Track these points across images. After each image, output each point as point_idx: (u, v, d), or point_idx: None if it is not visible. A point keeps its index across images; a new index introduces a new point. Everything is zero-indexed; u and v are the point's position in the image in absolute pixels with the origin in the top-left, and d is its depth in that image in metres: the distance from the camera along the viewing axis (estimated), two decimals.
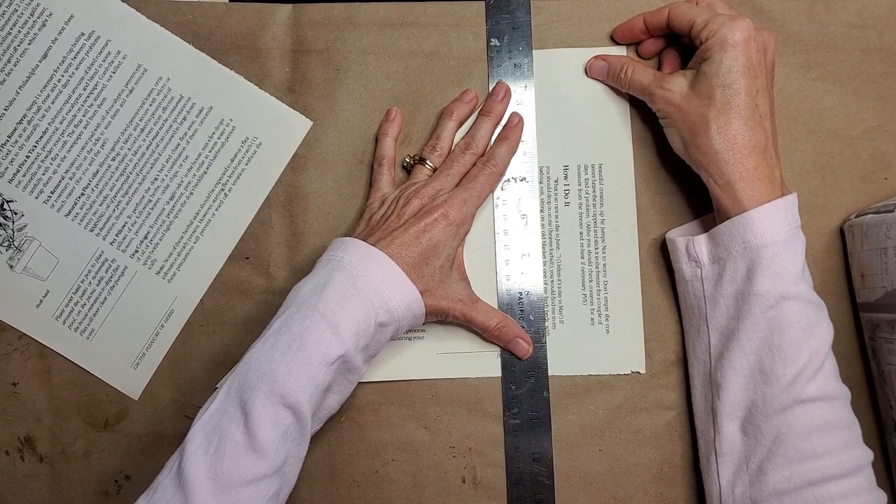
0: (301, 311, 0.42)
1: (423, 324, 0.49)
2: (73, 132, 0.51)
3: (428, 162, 0.50)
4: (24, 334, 0.52)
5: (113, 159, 0.52)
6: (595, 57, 0.52)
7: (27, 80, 0.51)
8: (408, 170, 0.52)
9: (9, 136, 0.51)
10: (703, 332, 0.48)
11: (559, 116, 0.53)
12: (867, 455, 0.43)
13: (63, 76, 0.51)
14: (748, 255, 0.44)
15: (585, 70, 0.52)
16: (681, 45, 0.51)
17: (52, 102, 0.51)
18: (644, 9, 0.52)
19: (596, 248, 0.52)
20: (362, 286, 0.43)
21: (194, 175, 0.52)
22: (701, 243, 0.47)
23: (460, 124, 0.52)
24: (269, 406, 0.39)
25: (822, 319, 0.44)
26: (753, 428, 0.44)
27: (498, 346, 0.51)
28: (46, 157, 0.51)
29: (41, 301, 0.52)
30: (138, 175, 0.52)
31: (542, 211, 0.52)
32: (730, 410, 0.45)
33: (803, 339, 0.43)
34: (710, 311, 0.47)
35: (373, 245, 0.45)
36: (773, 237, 0.43)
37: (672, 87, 0.46)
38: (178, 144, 0.52)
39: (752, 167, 0.44)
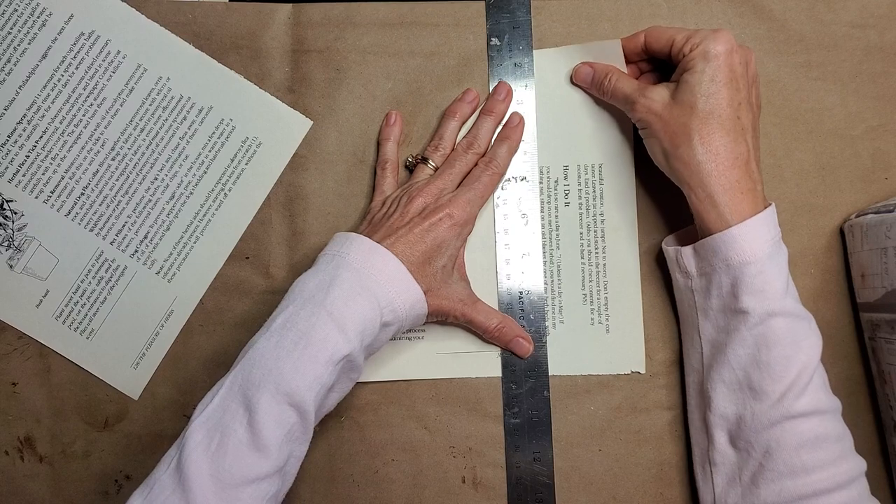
0: (306, 308, 0.41)
1: (423, 324, 0.49)
2: (72, 132, 0.51)
3: (430, 161, 0.50)
4: (24, 334, 0.52)
5: (113, 159, 0.52)
6: (581, 63, 0.51)
7: (27, 80, 0.51)
8: (410, 169, 0.52)
9: (9, 136, 0.51)
10: (695, 342, 0.48)
11: (559, 116, 0.53)
12: (859, 466, 0.43)
13: (63, 76, 0.51)
14: (731, 272, 0.43)
15: (571, 77, 0.52)
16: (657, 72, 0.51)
17: (52, 102, 0.51)
18: (644, 8, 0.52)
19: (596, 248, 0.52)
20: (369, 285, 0.43)
21: (194, 175, 0.52)
22: (688, 255, 0.46)
23: (463, 124, 0.52)
24: (275, 405, 0.39)
25: (810, 332, 0.44)
26: (744, 442, 0.44)
27: (498, 346, 0.51)
28: (46, 156, 0.51)
29: (41, 301, 0.52)
30: (138, 175, 0.52)
31: (542, 211, 0.52)
32: (720, 422, 0.45)
33: (791, 354, 0.42)
34: (702, 321, 0.47)
35: (377, 243, 0.45)
36: (756, 254, 0.43)
37: (654, 96, 0.46)
38: (178, 144, 0.52)
39: (734, 180, 0.43)
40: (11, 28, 0.51)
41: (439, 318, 0.49)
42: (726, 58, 0.44)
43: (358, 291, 0.42)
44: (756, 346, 0.43)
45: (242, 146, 0.52)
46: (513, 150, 0.51)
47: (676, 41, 0.45)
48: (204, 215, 0.52)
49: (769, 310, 0.43)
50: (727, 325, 0.45)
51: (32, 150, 0.51)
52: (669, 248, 0.48)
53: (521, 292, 0.52)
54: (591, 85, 0.51)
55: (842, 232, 0.52)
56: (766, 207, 0.44)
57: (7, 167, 0.51)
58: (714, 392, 0.45)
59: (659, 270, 0.52)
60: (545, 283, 0.52)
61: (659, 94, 0.46)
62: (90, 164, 0.52)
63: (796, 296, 0.45)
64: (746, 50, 0.45)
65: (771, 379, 0.42)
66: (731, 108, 0.44)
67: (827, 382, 0.44)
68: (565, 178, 0.53)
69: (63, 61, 0.51)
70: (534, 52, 0.52)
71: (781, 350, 0.42)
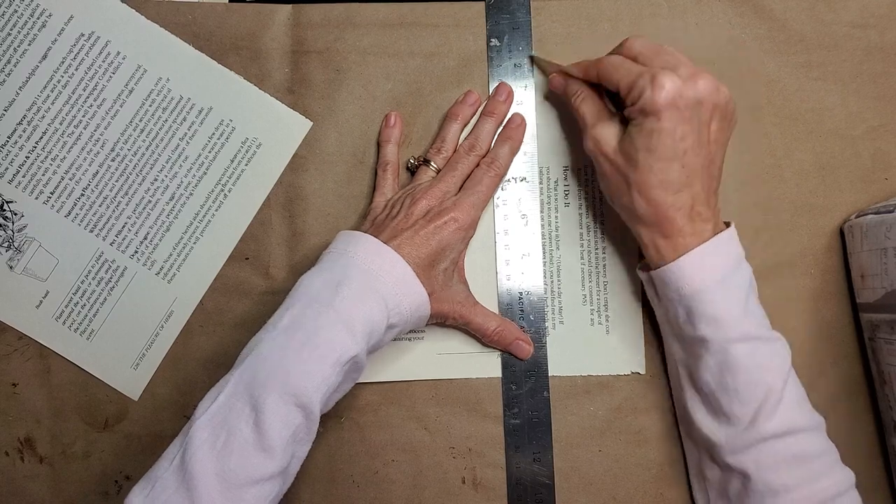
0: (313, 308, 0.41)
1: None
2: (72, 133, 0.51)
3: (432, 164, 0.50)
4: (24, 335, 0.52)
5: (113, 160, 0.52)
6: (556, 73, 0.49)
7: (27, 81, 0.51)
8: (412, 171, 0.52)
9: (9, 137, 0.51)
10: (672, 363, 0.48)
11: (559, 117, 0.52)
12: (846, 480, 0.42)
13: (63, 77, 0.51)
14: (685, 301, 0.43)
15: (548, 83, 0.50)
16: None
17: (52, 103, 0.51)
18: (644, 8, 0.52)
19: (596, 249, 0.52)
20: (378, 286, 0.42)
21: (194, 175, 0.52)
22: (648, 282, 0.47)
23: (464, 126, 0.52)
24: (282, 405, 0.38)
25: (776, 353, 0.43)
26: (723, 463, 0.44)
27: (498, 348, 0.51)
28: (46, 157, 0.51)
29: (41, 302, 0.52)
30: (138, 176, 0.52)
31: (542, 211, 0.52)
32: (703, 442, 0.45)
33: (756, 378, 0.42)
34: (672, 344, 0.47)
35: (384, 243, 0.44)
36: (706, 282, 0.42)
37: (605, 136, 0.44)
38: (178, 145, 0.52)
39: (676, 228, 0.43)
40: (11, 29, 0.51)
41: (439, 320, 0.49)
42: (667, 110, 0.40)
43: (367, 293, 0.42)
44: (720, 373, 0.43)
45: (242, 147, 0.52)
46: (514, 151, 0.51)
47: (621, 89, 0.43)
48: (204, 216, 0.52)
49: (727, 337, 0.42)
50: (693, 351, 0.45)
51: (32, 151, 0.51)
52: (638, 272, 0.49)
53: (520, 293, 0.52)
54: (564, 95, 0.49)
55: (842, 232, 0.52)
56: (717, 233, 0.43)
57: (7, 168, 0.51)
58: (693, 413, 0.46)
59: None
60: (545, 284, 0.52)
61: (611, 134, 0.44)
62: (90, 165, 0.52)
63: (759, 315, 0.44)
64: (701, 84, 0.41)
65: (740, 404, 0.42)
66: (673, 160, 0.41)
67: (803, 399, 0.44)
68: (565, 179, 0.53)
69: (63, 62, 0.51)
70: (533, 54, 0.52)
71: (746, 375, 0.42)
